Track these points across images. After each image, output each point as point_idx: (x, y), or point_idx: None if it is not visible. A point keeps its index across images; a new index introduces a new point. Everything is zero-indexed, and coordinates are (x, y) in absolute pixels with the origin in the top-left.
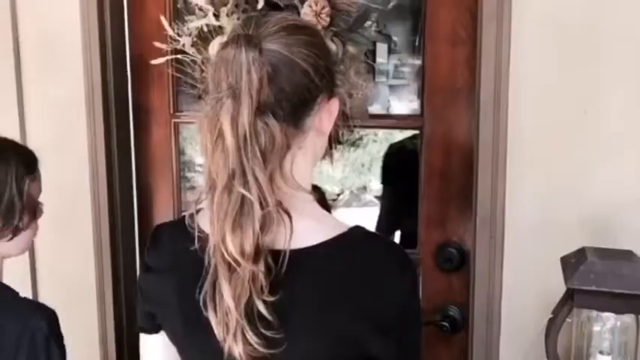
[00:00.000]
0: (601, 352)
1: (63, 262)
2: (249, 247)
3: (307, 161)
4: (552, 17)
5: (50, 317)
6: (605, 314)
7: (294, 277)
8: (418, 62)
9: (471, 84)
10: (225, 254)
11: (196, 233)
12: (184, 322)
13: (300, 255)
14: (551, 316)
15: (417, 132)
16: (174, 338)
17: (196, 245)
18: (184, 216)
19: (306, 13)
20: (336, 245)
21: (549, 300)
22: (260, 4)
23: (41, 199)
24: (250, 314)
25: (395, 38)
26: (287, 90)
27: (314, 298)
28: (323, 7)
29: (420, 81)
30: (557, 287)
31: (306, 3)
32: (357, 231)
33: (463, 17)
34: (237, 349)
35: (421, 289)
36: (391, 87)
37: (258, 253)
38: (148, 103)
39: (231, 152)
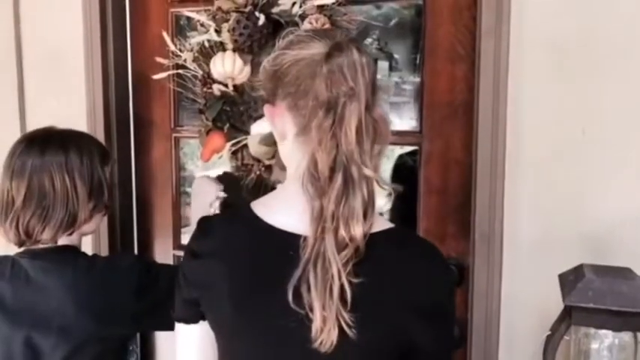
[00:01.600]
0: None
1: None
2: (360, 228)
3: None
4: (550, 35)
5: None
6: (603, 332)
7: (362, 263)
8: (419, 80)
9: (470, 101)
10: (345, 235)
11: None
12: (233, 306)
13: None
14: (549, 333)
15: (415, 148)
16: (218, 324)
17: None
18: (233, 210)
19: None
20: (388, 238)
21: (548, 317)
22: (261, 21)
23: None
24: (342, 296)
25: (396, 56)
26: (374, 89)
27: (373, 287)
28: (323, 24)
29: (420, 97)
30: (556, 304)
31: (307, 20)
32: (402, 228)
33: (462, 34)
34: (333, 335)
35: None
36: (392, 104)
37: (365, 233)
38: (149, 117)
39: (350, 142)
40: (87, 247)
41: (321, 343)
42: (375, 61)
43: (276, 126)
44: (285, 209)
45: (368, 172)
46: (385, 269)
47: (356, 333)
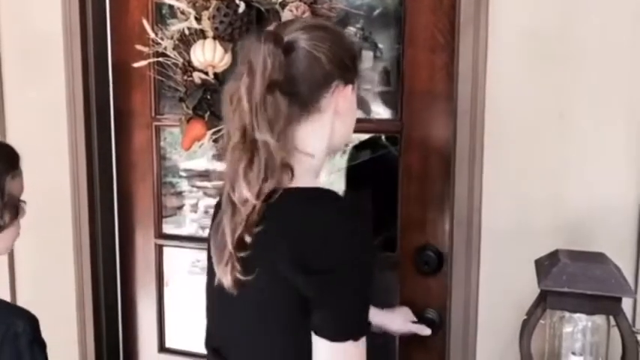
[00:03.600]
0: (573, 353)
1: (42, 265)
2: (254, 190)
3: (318, 137)
4: (528, 23)
5: (34, 322)
6: (577, 315)
7: (267, 217)
8: (400, 68)
9: (449, 89)
10: (233, 196)
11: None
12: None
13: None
14: (525, 317)
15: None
16: None
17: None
18: None
19: (287, 18)
20: (296, 196)
21: (525, 301)
22: (241, 9)
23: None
24: (238, 246)
25: (380, 45)
26: (300, 73)
27: (267, 237)
28: (303, 12)
29: (400, 86)
30: (532, 289)
31: (287, 7)
32: (319, 190)
33: (441, 23)
34: (226, 278)
35: (399, 291)
36: (377, 93)
37: (259, 194)
38: (129, 106)
39: (246, 114)
40: (67, 236)
41: (221, 281)
42: (360, 50)
43: None
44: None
45: (256, 145)
46: (285, 222)
47: (247, 279)
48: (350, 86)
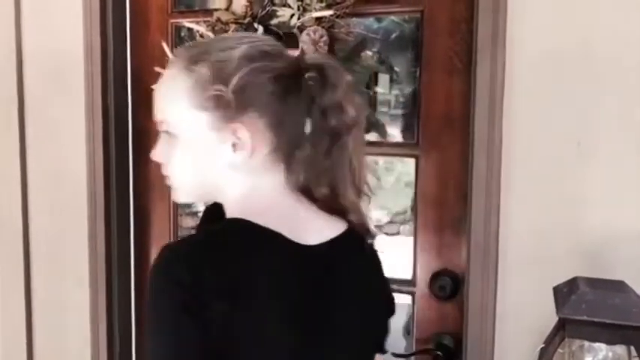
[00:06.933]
0: None
1: (58, 286)
2: None
3: None
4: (546, 48)
5: None
6: (597, 345)
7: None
8: (416, 92)
9: (467, 113)
10: None
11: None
12: (294, 345)
13: None
14: (542, 345)
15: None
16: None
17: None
18: (223, 229)
19: (305, 42)
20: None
21: (543, 329)
22: (259, 33)
23: (39, 221)
24: None
25: (397, 69)
26: None
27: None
28: (321, 36)
29: (417, 110)
30: (551, 317)
31: (305, 32)
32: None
33: (459, 47)
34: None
35: (415, 317)
36: (393, 117)
37: None
38: (148, 126)
39: None
40: (84, 255)
41: None
42: (376, 74)
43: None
44: (291, 222)
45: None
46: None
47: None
48: None
